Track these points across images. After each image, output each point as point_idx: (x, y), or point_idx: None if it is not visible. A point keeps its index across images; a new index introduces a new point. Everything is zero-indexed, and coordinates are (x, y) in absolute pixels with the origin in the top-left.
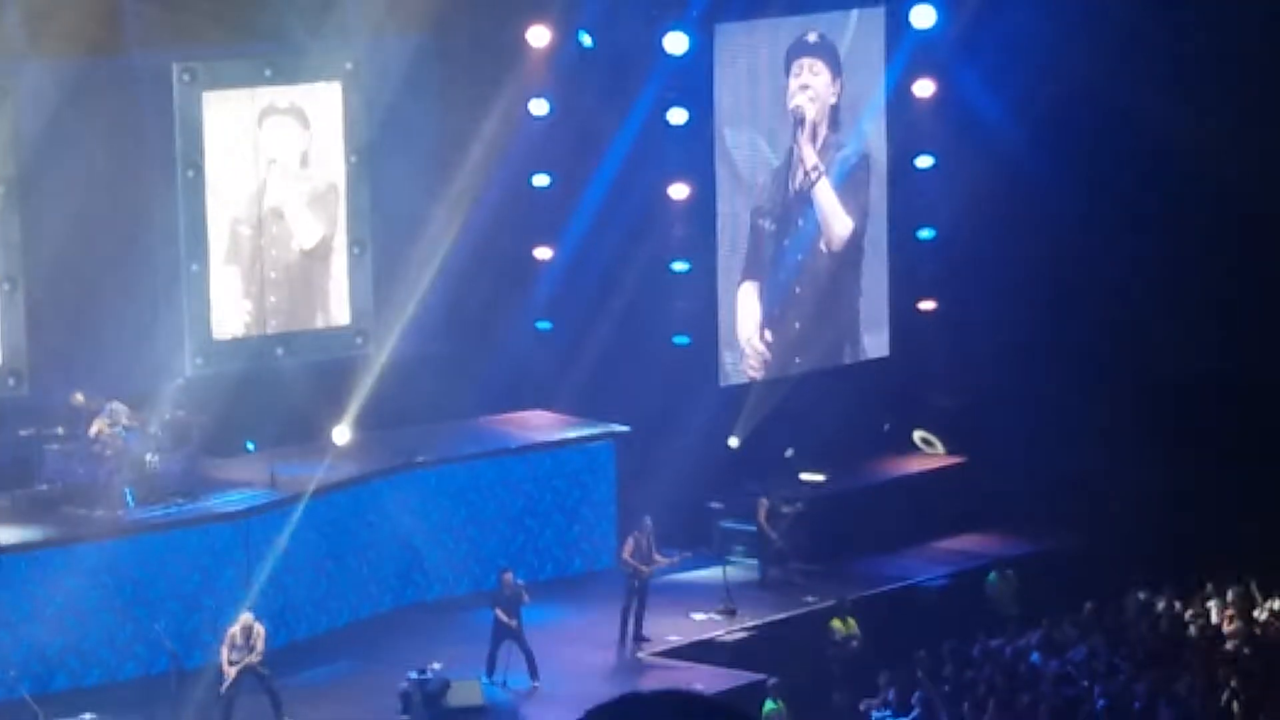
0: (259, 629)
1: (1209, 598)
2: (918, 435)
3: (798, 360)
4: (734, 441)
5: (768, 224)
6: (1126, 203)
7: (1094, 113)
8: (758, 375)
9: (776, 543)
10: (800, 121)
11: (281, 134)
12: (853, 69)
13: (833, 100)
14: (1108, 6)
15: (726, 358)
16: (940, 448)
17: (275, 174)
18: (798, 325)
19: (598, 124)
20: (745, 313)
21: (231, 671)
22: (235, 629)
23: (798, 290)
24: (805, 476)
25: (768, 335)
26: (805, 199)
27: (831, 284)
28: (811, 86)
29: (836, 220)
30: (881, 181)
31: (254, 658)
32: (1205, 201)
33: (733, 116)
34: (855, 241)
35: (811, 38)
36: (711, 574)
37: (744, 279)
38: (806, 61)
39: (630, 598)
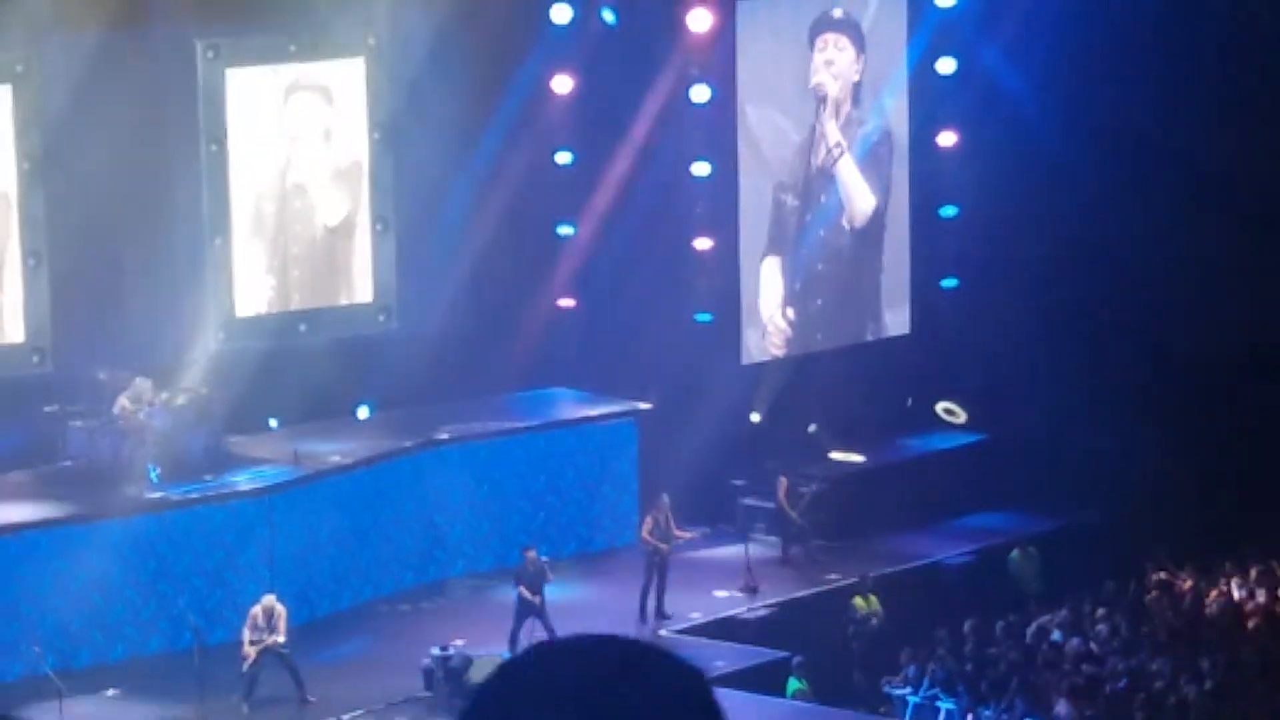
0: (280, 610)
1: (1231, 575)
2: (940, 406)
3: (819, 337)
4: (756, 416)
5: (790, 199)
6: (1149, 179)
7: (1116, 89)
8: (780, 352)
9: (796, 521)
10: (823, 99)
11: (306, 110)
12: (875, 46)
13: (856, 77)
14: None
15: (749, 335)
16: (962, 416)
17: (299, 150)
18: (819, 302)
19: (620, 101)
20: (768, 289)
21: (251, 652)
22: (257, 610)
23: (820, 267)
24: (838, 456)
25: (790, 313)
26: (828, 176)
27: (853, 261)
28: (836, 62)
29: (860, 197)
30: (903, 159)
31: (276, 638)
32: (1229, 178)
33: (755, 94)
34: (877, 219)
35: (837, 13)
36: (733, 551)
37: (767, 254)
38: (831, 37)
39: (650, 575)
